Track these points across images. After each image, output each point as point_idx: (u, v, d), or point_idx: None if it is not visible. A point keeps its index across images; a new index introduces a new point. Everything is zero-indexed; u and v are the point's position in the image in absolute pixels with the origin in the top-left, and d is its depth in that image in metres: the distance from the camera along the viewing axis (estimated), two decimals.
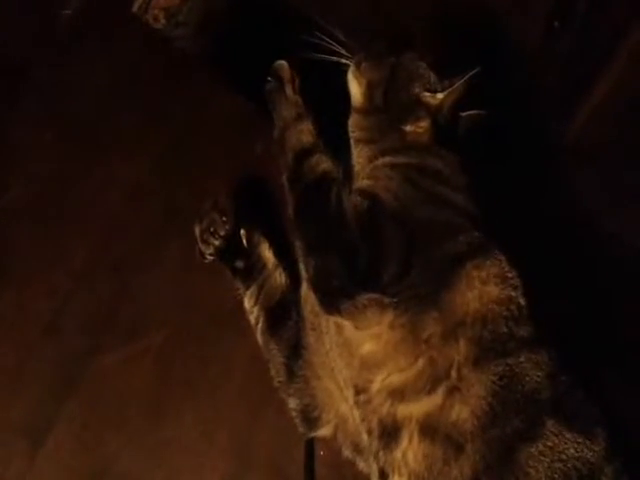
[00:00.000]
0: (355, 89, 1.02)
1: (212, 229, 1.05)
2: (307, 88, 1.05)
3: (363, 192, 0.93)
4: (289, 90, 1.05)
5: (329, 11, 1.17)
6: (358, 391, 0.88)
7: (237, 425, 1.12)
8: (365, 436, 0.88)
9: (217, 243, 1.05)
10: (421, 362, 0.84)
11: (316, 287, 0.90)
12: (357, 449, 0.94)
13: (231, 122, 1.27)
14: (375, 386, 0.87)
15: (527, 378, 0.83)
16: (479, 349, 0.83)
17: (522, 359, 0.84)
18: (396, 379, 0.85)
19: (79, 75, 1.37)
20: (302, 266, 0.94)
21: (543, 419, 0.81)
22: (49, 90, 1.37)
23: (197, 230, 1.07)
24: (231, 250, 1.08)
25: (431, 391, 0.83)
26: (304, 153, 0.97)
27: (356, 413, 0.89)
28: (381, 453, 0.85)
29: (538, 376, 0.83)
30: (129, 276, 1.21)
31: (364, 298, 0.86)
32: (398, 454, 0.84)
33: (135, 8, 1.31)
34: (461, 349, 0.83)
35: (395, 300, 0.85)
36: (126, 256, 1.23)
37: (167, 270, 1.20)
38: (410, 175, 0.92)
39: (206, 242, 1.06)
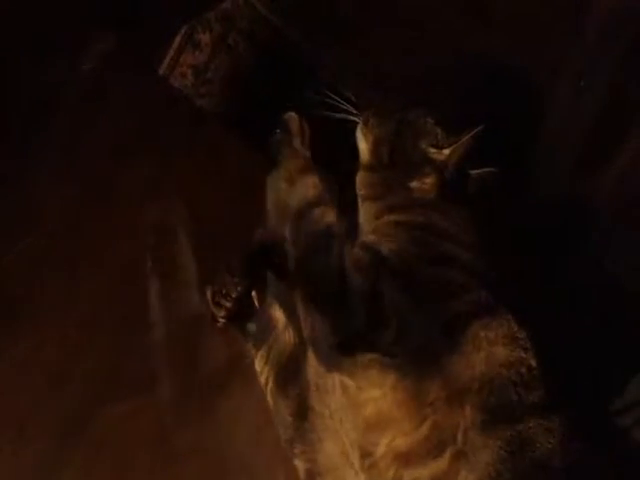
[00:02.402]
0: (363, 146, 1.02)
1: (224, 291, 1.02)
2: (318, 145, 1.06)
3: (366, 246, 0.91)
4: (297, 142, 1.05)
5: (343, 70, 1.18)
6: (363, 455, 0.86)
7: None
8: None
9: (229, 305, 1.02)
10: (426, 426, 0.81)
11: (314, 344, 0.89)
12: None
13: (246, 181, 1.26)
14: (380, 450, 0.84)
15: (537, 445, 0.79)
16: (486, 414, 0.80)
17: (532, 425, 0.80)
18: (401, 442, 0.82)
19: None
20: (302, 324, 0.92)
21: None
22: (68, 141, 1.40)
23: (209, 293, 1.04)
24: (243, 312, 1.06)
25: (437, 456, 0.80)
26: (308, 206, 0.96)
27: (362, 477, 0.86)
28: None
29: (550, 442, 0.80)
30: (137, 329, 1.21)
31: (365, 358, 0.84)
32: None
33: (162, 70, 1.32)
34: (467, 414, 0.80)
35: (397, 362, 0.83)
36: (135, 309, 1.23)
37: (174, 323, 1.20)
38: (415, 234, 0.91)
39: (218, 305, 1.02)
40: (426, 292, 0.86)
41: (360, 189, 1.01)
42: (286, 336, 1.05)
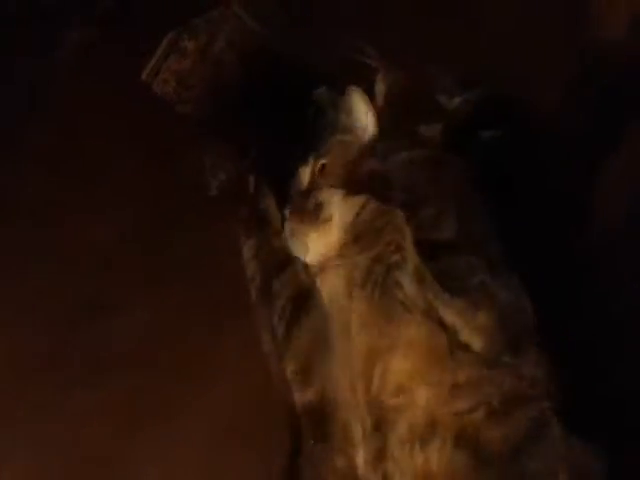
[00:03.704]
0: (380, 90, 1.06)
1: (220, 162, 1.04)
2: None
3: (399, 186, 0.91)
4: (331, 113, 1.08)
5: None
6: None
7: None
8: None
9: (223, 177, 1.04)
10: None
11: None
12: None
13: None
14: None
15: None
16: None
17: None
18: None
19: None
20: None
21: None
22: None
23: (208, 161, 1.06)
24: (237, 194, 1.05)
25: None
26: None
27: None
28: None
29: None
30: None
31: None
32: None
33: (145, 75, 1.34)
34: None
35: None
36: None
37: None
38: (429, 172, 0.93)
39: (214, 175, 1.04)
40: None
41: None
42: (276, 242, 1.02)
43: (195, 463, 1.05)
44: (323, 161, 0.98)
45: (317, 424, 0.89)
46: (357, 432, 0.84)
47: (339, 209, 0.93)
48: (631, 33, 1.14)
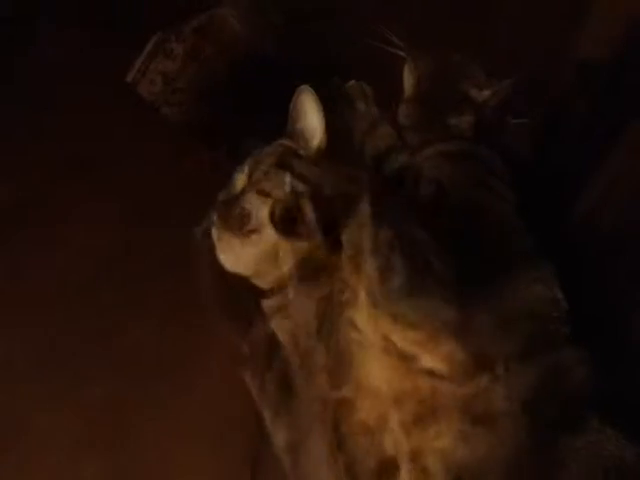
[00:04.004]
0: (408, 81, 1.06)
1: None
2: None
3: (428, 179, 0.92)
4: (361, 105, 1.07)
5: None
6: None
7: None
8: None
9: None
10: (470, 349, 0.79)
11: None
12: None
13: None
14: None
15: (571, 373, 0.80)
16: (526, 344, 0.80)
17: (566, 354, 0.81)
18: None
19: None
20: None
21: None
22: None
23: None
24: None
25: (473, 378, 0.77)
26: (383, 155, 0.99)
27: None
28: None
29: (582, 372, 0.80)
30: None
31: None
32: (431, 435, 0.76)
33: (130, 77, 1.32)
34: (510, 343, 0.79)
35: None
36: None
37: None
38: (463, 161, 0.94)
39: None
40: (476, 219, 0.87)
41: (401, 119, 1.04)
42: None
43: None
44: (263, 168, 0.94)
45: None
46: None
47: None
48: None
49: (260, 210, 0.90)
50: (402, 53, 1.06)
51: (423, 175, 0.93)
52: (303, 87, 0.96)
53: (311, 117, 0.97)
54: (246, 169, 0.96)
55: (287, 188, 0.90)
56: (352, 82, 1.09)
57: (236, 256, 0.91)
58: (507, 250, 0.86)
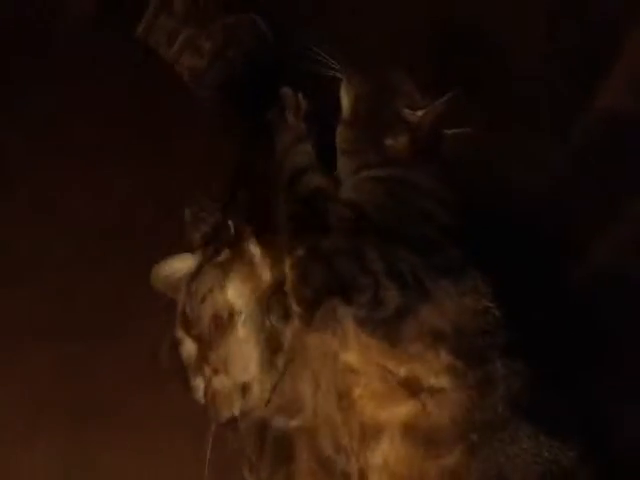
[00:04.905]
0: (345, 102, 1.07)
1: (202, 214, 1.06)
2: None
3: (349, 203, 0.95)
4: (291, 116, 1.10)
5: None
6: (340, 396, 0.87)
7: None
8: (347, 438, 0.86)
9: (206, 229, 1.05)
10: (404, 370, 0.84)
11: (296, 293, 0.88)
12: (338, 448, 0.89)
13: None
14: (357, 391, 0.86)
15: (505, 385, 0.84)
16: (459, 359, 0.84)
17: (499, 365, 0.85)
18: (379, 386, 0.85)
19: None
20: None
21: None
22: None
23: (187, 214, 1.07)
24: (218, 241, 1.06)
25: (413, 397, 0.83)
26: (298, 173, 1.01)
27: (338, 416, 0.87)
28: (362, 455, 0.84)
29: (516, 383, 0.85)
30: None
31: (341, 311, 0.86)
32: (378, 456, 0.82)
33: (139, 31, 1.33)
34: (442, 359, 0.84)
35: (372, 316, 0.85)
36: None
37: None
38: (392, 189, 0.96)
39: (196, 227, 1.06)
40: (403, 247, 0.89)
41: (339, 143, 1.06)
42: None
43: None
44: None
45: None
46: None
47: None
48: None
49: None
50: (338, 74, 1.06)
51: (340, 199, 0.97)
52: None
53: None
54: None
55: None
56: (287, 89, 1.11)
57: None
58: (428, 267, 0.88)
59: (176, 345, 1.01)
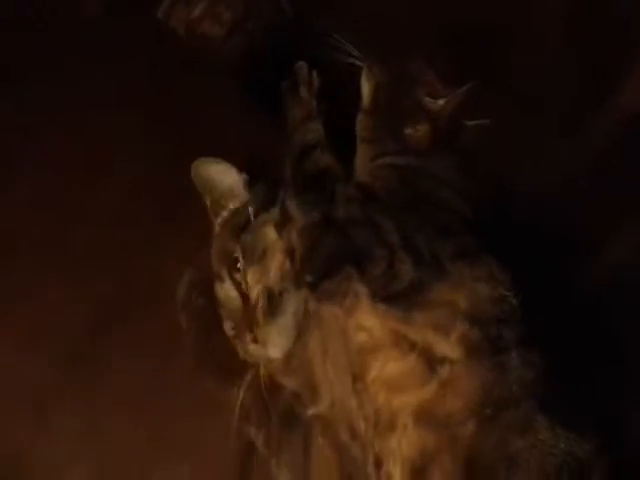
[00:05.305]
0: (365, 90, 1.07)
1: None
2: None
3: (360, 186, 0.95)
4: (303, 91, 1.10)
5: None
6: (355, 378, 0.86)
7: None
8: (362, 423, 0.85)
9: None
10: (414, 354, 0.84)
11: (304, 268, 0.89)
12: (354, 435, 0.88)
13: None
14: (372, 374, 0.85)
15: (518, 375, 0.83)
16: (470, 346, 0.83)
17: (514, 356, 0.84)
18: (392, 368, 0.84)
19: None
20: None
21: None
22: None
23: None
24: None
25: (424, 384, 0.83)
26: (308, 149, 1.01)
27: (353, 400, 0.86)
28: (376, 441, 0.83)
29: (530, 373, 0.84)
30: None
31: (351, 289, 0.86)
32: (393, 442, 0.81)
33: (160, 12, 1.32)
34: (453, 345, 0.83)
35: (383, 295, 0.85)
36: None
37: None
38: (407, 176, 0.96)
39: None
40: (415, 233, 0.89)
41: (359, 131, 1.06)
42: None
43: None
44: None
45: None
46: None
47: None
48: None
49: None
50: (358, 62, 1.06)
51: (356, 181, 0.97)
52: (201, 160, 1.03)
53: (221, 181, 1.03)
54: None
55: None
56: (302, 63, 1.11)
57: None
58: (444, 245, 0.88)
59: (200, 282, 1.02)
